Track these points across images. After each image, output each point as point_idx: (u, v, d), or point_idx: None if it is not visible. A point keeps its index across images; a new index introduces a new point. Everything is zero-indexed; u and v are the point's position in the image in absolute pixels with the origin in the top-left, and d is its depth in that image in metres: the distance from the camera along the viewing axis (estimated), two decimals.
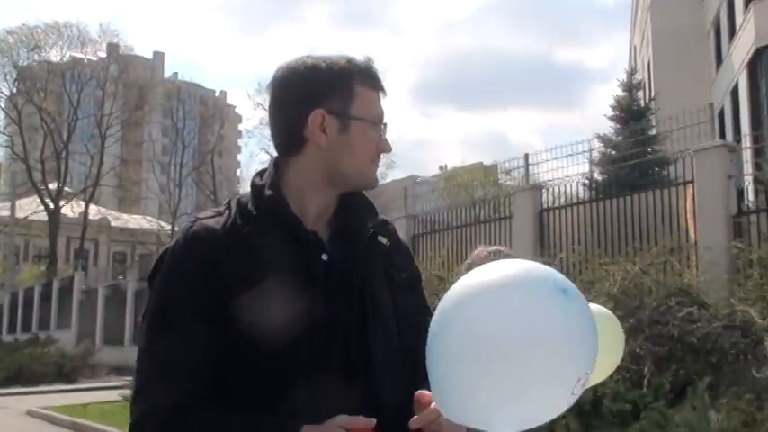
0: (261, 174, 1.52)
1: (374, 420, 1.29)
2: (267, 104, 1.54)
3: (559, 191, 11.33)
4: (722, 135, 21.45)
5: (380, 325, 1.42)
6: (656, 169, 14.90)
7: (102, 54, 40.67)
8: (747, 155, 9.52)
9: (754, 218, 8.93)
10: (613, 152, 14.14)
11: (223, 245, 1.38)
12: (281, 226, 1.41)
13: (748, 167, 9.34)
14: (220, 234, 1.40)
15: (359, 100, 1.46)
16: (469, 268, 1.74)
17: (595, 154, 14.75)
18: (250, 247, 1.38)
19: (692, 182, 9.49)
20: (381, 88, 1.49)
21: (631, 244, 9.58)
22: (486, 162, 40.07)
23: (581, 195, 12.70)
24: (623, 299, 7.97)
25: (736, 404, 6.22)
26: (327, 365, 1.35)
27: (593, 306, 1.98)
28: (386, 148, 1.50)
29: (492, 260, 1.65)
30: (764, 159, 9.83)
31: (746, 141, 10.49)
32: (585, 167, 12.63)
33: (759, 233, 8.60)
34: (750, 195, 9.30)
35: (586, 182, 14.19)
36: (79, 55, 38.20)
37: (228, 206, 1.47)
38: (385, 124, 1.50)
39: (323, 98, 1.44)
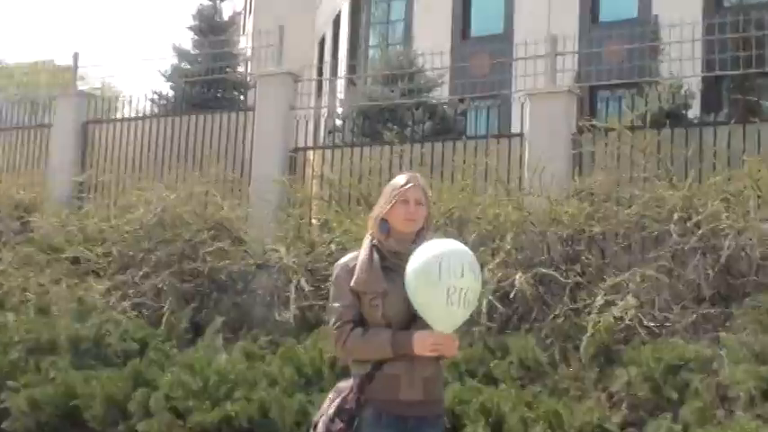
0: None
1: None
2: None
3: (111, 102, 11.18)
4: (320, 62, 23.15)
5: None
6: (237, 93, 15.55)
7: None
8: (313, 87, 10.35)
9: (311, 154, 9.87)
10: (188, 66, 14.35)
11: None
12: None
13: (311, 100, 10.17)
14: None
15: None
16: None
17: (167, 67, 14.86)
18: None
19: (254, 108, 10.14)
20: None
21: (185, 169, 9.94)
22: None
23: (147, 110, 12.67)
24: (156, 229, 8.25)
25: (249, 346, 6.88)
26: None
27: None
28: None
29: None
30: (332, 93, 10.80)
31: (313, 72, 11.51)
32: (158, 80, 12.72)
33: (312, 170, 9.51)
34: (310, 130, 10.19)
35: (155, 96, 14.28)
36: None
37: None
38: None
39: None
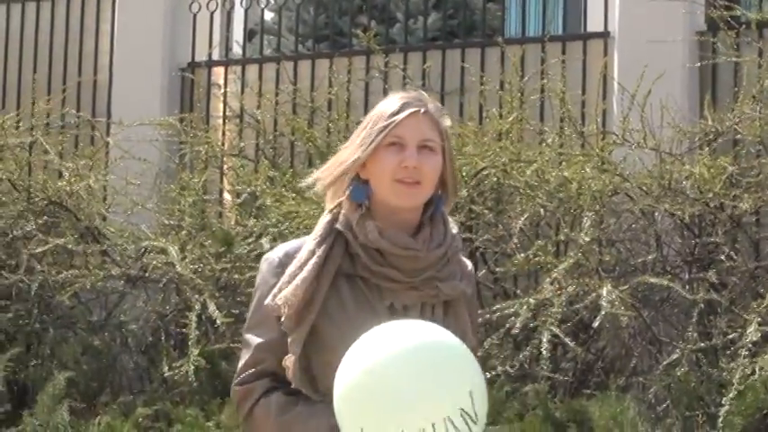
0: None
1: None
2: None
3: None
4: None
5: None
6: None
7: None
8: None
9: (219, 73, 9.93)
10: None
11: None
12: None
13: None
14: None
15: None
16: None
17: None
18: None
19: None
20: None
21: None
22: None
23: None
24: None
25: (116, 425, 6.96)
26: None
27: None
28: None
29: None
30: None
31: None
32: None
33: (224, 104, 9.57)
34: (216, 29, 10.24)
35: None
36: None
37: None
38: None
39: None
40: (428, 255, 3.13)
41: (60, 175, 8.66)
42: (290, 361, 3.09)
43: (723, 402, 6.14)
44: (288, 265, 3.14)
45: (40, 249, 8.03)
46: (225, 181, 9.17)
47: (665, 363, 6.65)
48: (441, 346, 2.85)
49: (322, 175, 3.21)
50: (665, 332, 6.97)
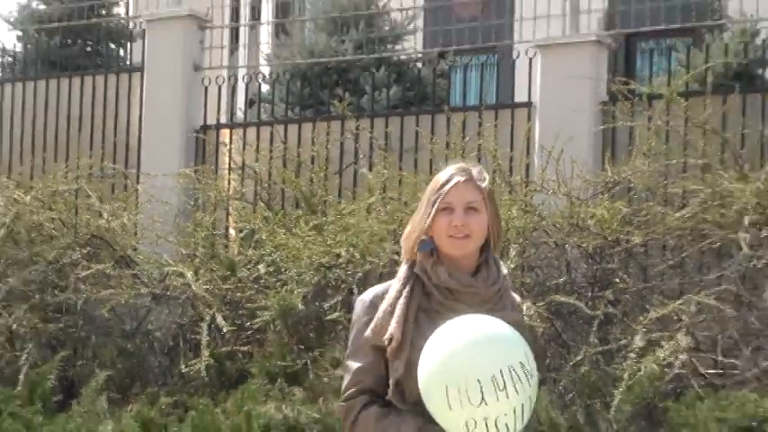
0: None
1: None
2: None
3: None
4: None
5: None
6: (117, 45, 15.57)
7: None
8: (226, 36, 10.50)
9: (226, 134, 10.08)
10: (44, 6, 14.39)
11: None
12: None
13: (224, 57, 10.35)
14: None
15: None
16: None
17: (12, 8, 14.82)
18: None
19: (142, 68, 10.39)
20: None
21: (45, 159, 10.07)
22: None
23: None
24: (5, 245, 8.43)
25: (144, 411, 7.10)
26: None
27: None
28: None
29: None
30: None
31: (226, 15, 11.51)
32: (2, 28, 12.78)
33: (229, 159, 9.71)
34: (225, 99, 10.44)
35: None
36: None
37: None
38: None
39: None
40: (486, 291, 3.20)
41: (100, 215, 8.73)
42: (390, 379, 3.15)
43: (616, 394, 6.25)
44: (377, 305, 3.20)
45: (84, 273, 8.15)
46: (230, 219, 9.22)
47: (571, 363, 6.77)
48: (495, 325, 3.04)
49: (405, 237, 3.29)
50: (571, 338, 7.06)
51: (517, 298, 3.43)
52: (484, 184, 3.27)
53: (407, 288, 3.19)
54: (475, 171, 3.28)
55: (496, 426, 2.95)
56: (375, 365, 3.20)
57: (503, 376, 2.93)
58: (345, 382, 3.24)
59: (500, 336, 3.03)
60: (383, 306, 3.19)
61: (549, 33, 9.32)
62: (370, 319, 3.20)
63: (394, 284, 3.24)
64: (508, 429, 2.97)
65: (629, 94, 8.22)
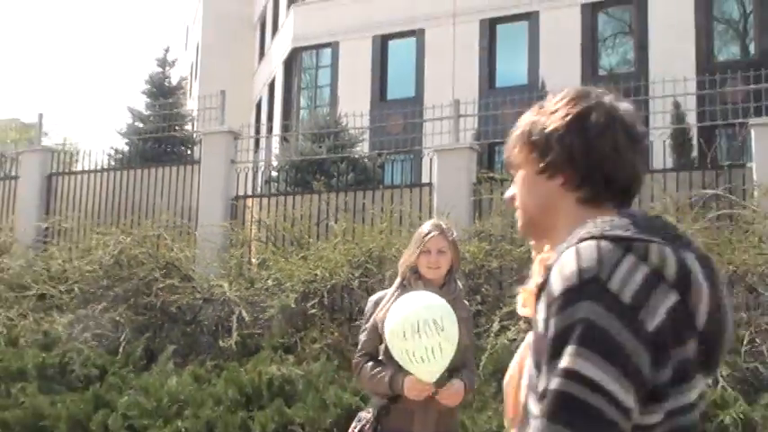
0: None
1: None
2: None
3: (72, 156, 11.08)
4: (258, 122, 23.17)
5: None
6: (185, 148, 15.49)
7: None
8: (251, 143, 10.48)
9: (250, 202, 9.92)
10: (141, 125, 14.30)
11: None
12: None
13: (250, 155, 10.29)
14: None
15: None
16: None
17: (123, 126, 14.82)
18: None
19: (200, 162, 10.16)
20: None
21: (139, 216, 9.85)
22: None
23: (104, 163, 12.57)
24: (114, 268, 8.18)
25: (196, 370, 6.86)
26: None
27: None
28: None
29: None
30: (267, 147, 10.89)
31: (251, 130, 11.59)
32: (116, 137, 12.64)
33: (251, 216, 9.56)
34: (249, 180, 10.26)
35: (111, 151, 14.16)
36: None
37: None
38: None
39: None
40: (448, 297, 3.17)
41: (172, 249, 8.51)
42: (382, 347, 3.19)
43: (483, 358, 6.20)
44: (379, 303, 3.26)
45: (161, 285, 7.88)
46: (251, 253, 8.99)
47: None
48: (431, 298, 3.11)
49: (400, 264, 3.31)
50: None
51: (466, 303, 3.52)
52: (450, 236, 3.27)
53: (397, 293, 3.21)
54: (445, 227, 3.29)
55: (426, 352, 2.98)
56: (375, 339, 3.22)
57: (419, 324, 2.97)
58: (359, 346, 3.29)
59: (428, 303, 3.05)
60: (382, 303, 3.23)
61: (442, 142, 9.27)
62: (374, 307, 3.25)
63: (390, 291, 3.27)
64: (423, 361, 2.98)
65: (489, 179, 8.35)
